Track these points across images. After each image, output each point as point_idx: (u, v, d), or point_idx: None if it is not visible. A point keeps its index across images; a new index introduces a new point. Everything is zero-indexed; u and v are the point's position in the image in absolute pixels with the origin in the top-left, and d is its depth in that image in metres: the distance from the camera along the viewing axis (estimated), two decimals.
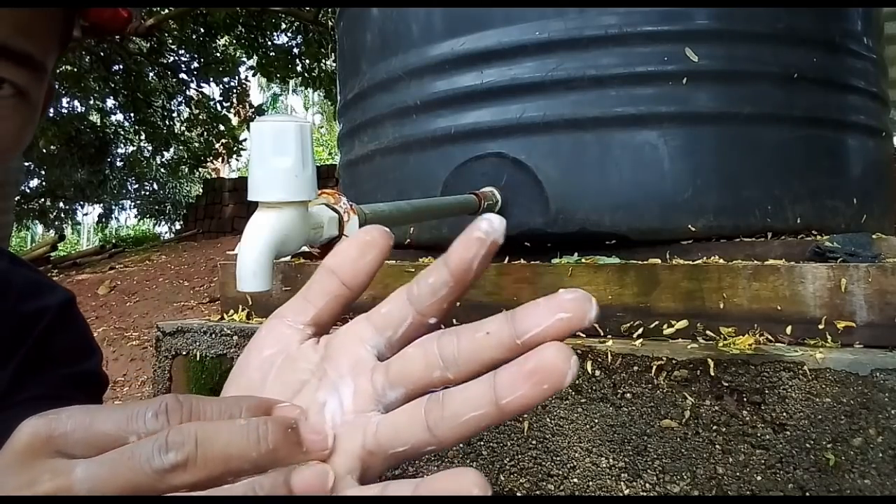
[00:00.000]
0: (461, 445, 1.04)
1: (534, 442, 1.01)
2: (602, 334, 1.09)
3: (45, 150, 8.76)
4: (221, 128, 9.13)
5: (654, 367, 0.95)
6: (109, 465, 0.22)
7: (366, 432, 0.25)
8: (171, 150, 10.24)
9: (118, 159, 10.86)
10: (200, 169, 10.53)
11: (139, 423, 0.23)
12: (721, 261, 1.13)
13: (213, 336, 1.34)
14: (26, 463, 0.22)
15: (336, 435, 0.26)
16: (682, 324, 1.06)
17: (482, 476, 0.22)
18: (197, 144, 9.72)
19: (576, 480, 0.98)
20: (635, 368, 0.97)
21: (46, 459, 0.22)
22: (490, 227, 0.24)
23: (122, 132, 10.36)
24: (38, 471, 0.21)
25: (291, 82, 10.60)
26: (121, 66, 8.16)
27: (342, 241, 0.29)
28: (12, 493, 0.21)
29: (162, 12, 6.65)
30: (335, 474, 0.25)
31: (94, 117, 9.79)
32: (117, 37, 5.75)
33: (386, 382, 0.26)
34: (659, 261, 1.17)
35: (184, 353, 1.38)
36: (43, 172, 9.68)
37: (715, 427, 0.92)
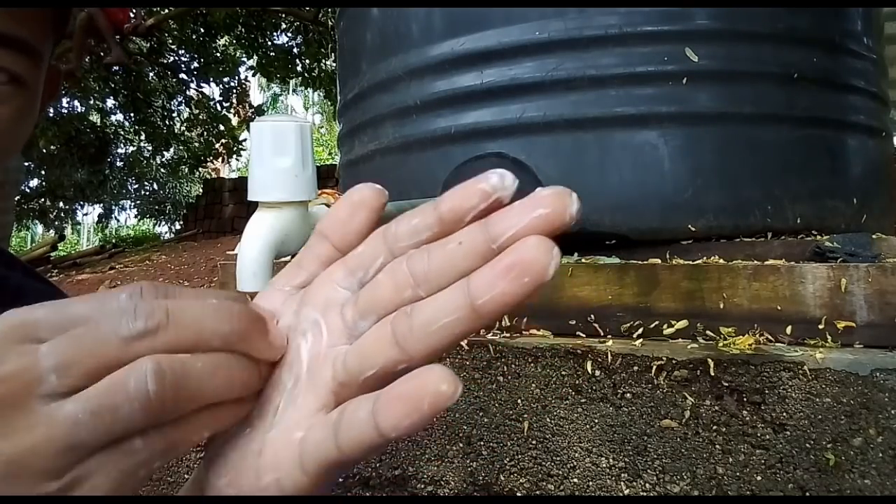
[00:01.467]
0: (460, 445, 1.04)
1: (534, 442, 1.01)
2: (602, 334, 1.09)
3: (45, 150, 8.76)
4: (221, 128, 9.13)
5: (654, 367, 0.95)
6: (75, 338, 0.21)
7: (335, 364, 0.24)
8: (171, 150, 10.25)
9: (118, 159, 10.86)
10: (200, 169, 10.53)
11: (112, 305, 0.22)
12: (721, 261, 1.13)
13: None
14: None
15: (308, 371, 0.25)
16: (682, 324, 1.06)
17: (450, 371, 0.21)
18: (197, 144, 9.72)
19: (576, 480, 0.98)
20: (635, 368, 0.97)
21: (15, 345, 0.21)
22: (500, 182, 0.23)
23: (122, 132, 10.36)
24: (4, 354, 0.21)
25: (291, 82, 10.61)
26: (121, 66, 8.15)
27: (335, 203, 0.28)
28: None
29: (162, 12, 6.65)
30: (307, 410, 0.24)
31: (94, 117, 9.79)
32: (117, 37, 5.74)
33: (356, 313, 0.25)
34: (659, 261, 1.17)
35: None
36: (43, 172, 9.68)
37: (715, 427, 0.92)
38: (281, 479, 0.24)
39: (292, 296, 0.28)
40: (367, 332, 0.24)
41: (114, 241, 10.52)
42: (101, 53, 6.59)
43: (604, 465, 0.97)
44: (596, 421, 0.98)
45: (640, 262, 1.14)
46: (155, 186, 12.25)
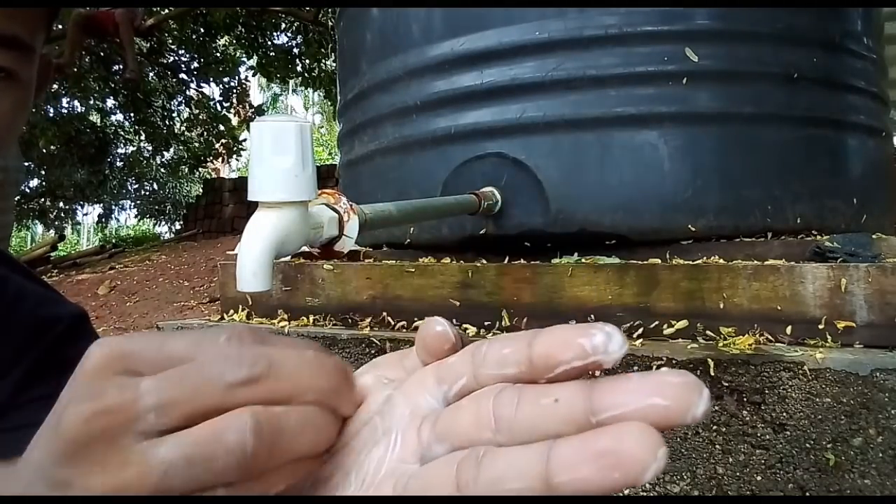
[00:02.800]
0: None
1: None
2: None
3: (45, 150, 8.77)
4: (221, 128, 9.13)
5: (654, 367, 0.95)
6: (179, 377, 0.21)
7: (396, 485, 0.24)
8: (171, 150, 10.24)
9: (118, 159, 10.86)
10: (200, 169, 10.53)
11: (213, 347, 0.22)
12: (721, 261, 1.13)
13: None
14: (95, 379, 0.21)
15: (368, 481, 0.25)
16: (682, 324, 1.06)
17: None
18: (197, 144, 9.72)
19: None
20: (635, 368, 0.97)
21: (114, 376, 0.21)
22: (604, 345, 0.20)
23: (122, 132, 10.36)
24: (104, 385, 0.21)
25: (291, 82, 10.61)
26: (121, 66, 8.15)
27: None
28: (78, 406, 0.20)
29: (162, 12, 6.65)
30: None
31: (94, 117, 9.79)
32: (117, 39, 5.75)
33: (432, 435, 0.24)
34: (659, 261, 1.17)
35: None
36: (43, 172, 9.68)
37: (715, 427, 0.92)
38: None
39: (384, 384, 0.28)
40: (435, 461, 0.23)
41: (114, 241, 10.52)
42: (101, 53, 6.59)
43: None
44: None
45: (640, 262, 1.14)
46: (155, 186, 12.25)
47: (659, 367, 0.95)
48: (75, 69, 6.67)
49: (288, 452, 0.22)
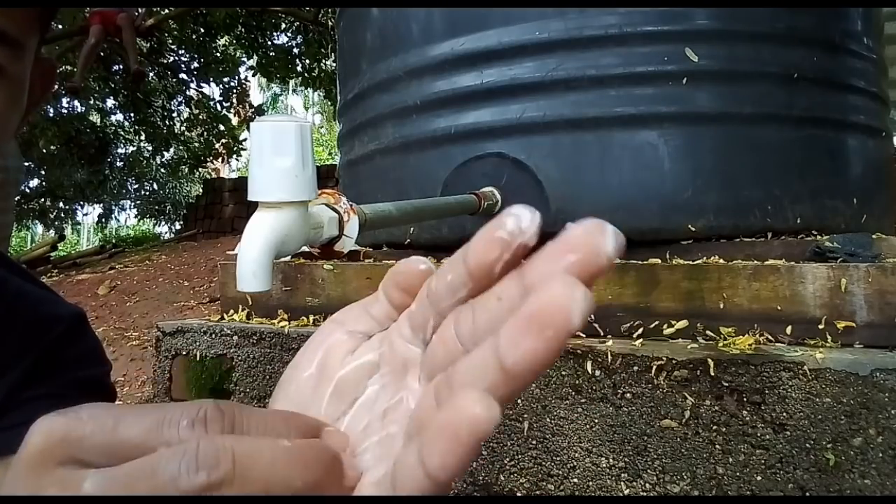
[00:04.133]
0: None
1: (534, 442, 1.01)
2: (602, 334, 1.09)
3: (45, 150, 8.77)
4: (221, 128, 9.13)
5: (654, 367, 0.95)
6: (125, 480, 0.19)
7: (408, 427, 0.24)
8: (171, 150, 10.25)
9: (118, 159, 10.86)
10: (200, 169, 10.54)
11: (171, 432, 0.20)
12: (721, 261, 1.13)
13: (213, 336, 1.34)
14: (35, 469, 0.19)
15: (393, 430, 0.25)
16: (682, 324, 1.06)
17: (483, 393, 0.19)
18: (197, 144, 9.72)
19: (576, 480, 0.98)
20: (635, 368, 0.97)
21: (56, 467, 0.19)
22: (516, 226, 0.21)
23: (122, 132, 10.36)
24: (45, 480, 0.19)
25: (291, 82, 10.61)
26: (121, 66, 8.16)
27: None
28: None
29: (162, 12, 6.65)
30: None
31: (94, 117, 9.79)
32: (116, 39, 5.75)
33: (424, 378, 0.25)
34: (659, 261, 1.17)
35: (184, 353, 1.38)
36: (43, 172, 9.67)
37: (715, 427, 0.92)
38: None
39: (364, 342, 0.27)
40: (423, 393, 0.24)
41: (114, 241, 10.52)
42: (101, 53, 6.59)
43: (604, 465, 0.97)
44: (596, 421, 0.98)
45: (640, 262, 1.14)
46: (155, 186, 12.24)
47: (659, 367, 0.95)
48: (75, 69, 6.67)
49: None
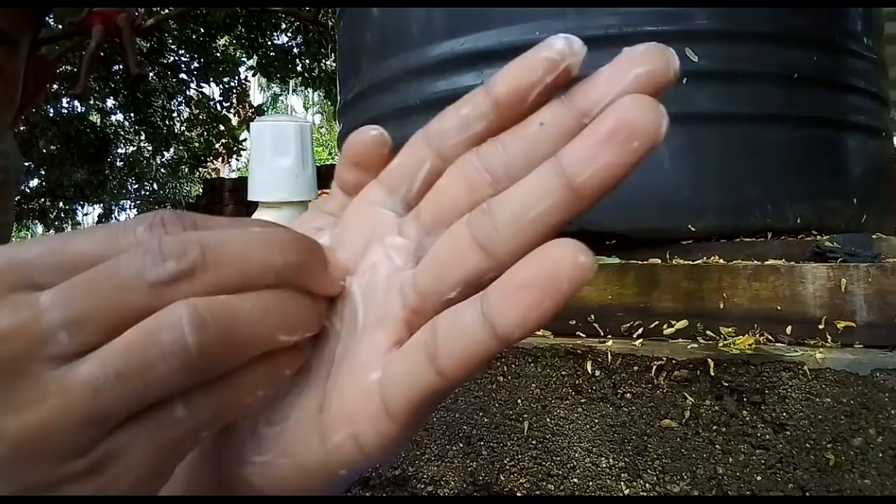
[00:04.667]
0: (460, 445, 1.04)
1: (534, 442, 1.01)
2: (602, 334, 1.09)
3: (45, 150, 8.77)
4: (221, 128, 9.14)
5: (654, 367, 0.95)
6: (88, 285, 0.17)
7: (402, 290, 0.20)
8: (171, 150, 10.25)
9: (118, 159, 10.86)
10: (200, 169, 10.54)
11: (127, 238, 0.18)
12: (721, 261, 1.13)
13: None
14: None
15: (365, 307, 0.21)
16: (682, 324, 1.06)
17: (578, 242, 0.17)
18: (197, 144, 9.72)
19: (576, 480, 0.98)
20: (635, 368, 0.97)
21: (7, 294, 0.16)
22: (568, 46, 0.18)
23: (122, 132, 10.36)
24: None
25: (291, 82, 10.61)
26: (121, 66, 8.16)
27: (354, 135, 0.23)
28: None
29: (162, 12, 6.65)
30: (376, 349, 0.20)
31: (94, 117, 9.79)
32: (116, 39, 5.75)
33: (420, 229, 0.20)
34: (659, 261, 1.17)
35: None
36: (43, 172, 9.68)
37: (715, 427, 0.92)
38: (359, 433, 0.19)
39: (328, 226, 0.24)
40: (434, 244, 0.20)
41: None
42: (101, 53, 6.58)
43: (604, 465, 0.97)
44: (596, 421, 0.98)
45: (640, 262, 1.14)
46: (155, 186, 12.24)
47: (659, 367, 0.95)
48: (75, 69, 6.68)
49: (249, 345, 0.18)
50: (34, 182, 10.06)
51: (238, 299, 0.18)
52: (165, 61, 8.57)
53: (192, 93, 9.11)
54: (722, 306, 1.05)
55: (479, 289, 0.18)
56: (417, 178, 0.21)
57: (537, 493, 1.00)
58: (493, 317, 0.17)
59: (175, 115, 9.55)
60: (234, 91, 9.18)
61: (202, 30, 7.89)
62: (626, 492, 0.95)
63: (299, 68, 8.14)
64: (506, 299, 0.17)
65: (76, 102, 9.19)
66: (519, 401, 1.03)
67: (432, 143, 0.21)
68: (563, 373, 1.01)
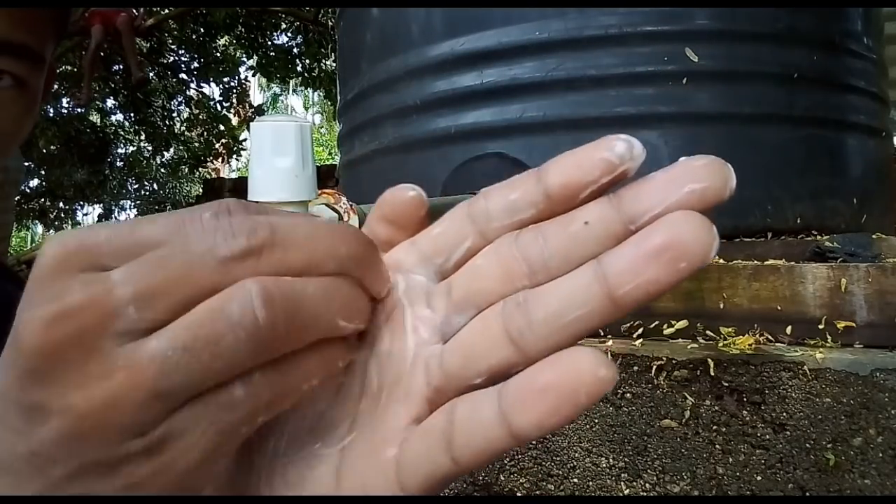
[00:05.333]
0: None
1: (534, 442, 1.01)
2: (602, 334, 1.09)
3: (45, 150, 8.77)
4: (221, 128, 9.14)
5: (654, 367, 0.95)
6: (158, 262, 0.17)
7: (428, 366, 0.20)
8: (171, 150, 10.25)
9: (118, 159, 10.86)
10: (200, 169, 10.53)
11: (195, 225, 0.18)
12: (721, 261, 1.13)
13: None
14: (55, 277, 0.17)
15: (390, 375, 0.21)
16: (682, 324, 1.06)
17: (600, 352, 0.17)
18: (197, 144, 9.72)
19: (576, 480, 0.98)
20: (635, 368, 0.97)
21: (78, 273, 0.17)
22: (628, 151, 0.18)
23: (122, 132, 10.36)
24: (66, 283, 0.17)
25: (291, 82, 10.61)
26: (121, 66, 8.16)
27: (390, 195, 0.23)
28: (36, 311, 0.16)
29: (162, 12, 6.65)
30: (396, 423, 0.20)
31: (94, 117, 9.79)
32: (116, 42, 5.76)
33: (449, 306, 0.20)
34: None
35: None
36: (43, 172, 9.68)
37: (715, 427, 0.92)
38: None
39: None
40: (465, 327, 0.20)
41: None
42: (101, 54, 6.59)
43: (604, 465, 0.97)
44: (596, 421, 0.98)
45: None
46: (155, 186, 12.24)
47: (659, 367, 0.95)
48: (75, 69, 6.68)
49: (312, 327, 0.18)
50: (34, 182, 10.06)
51: (303, 281, 0.18)
52: (165, 61, 8.56)
53: (192, 93, 9.11)
54: (722, 306, 1.05)
55: (503, 378, 0.18)
56: (457, 252, 0.21)
57: (537, 493, 1.00)
58: (510, 415, 0.17)
59: (175, 115, 9.55)
60: (234, 91, 9.17)
61: (202, 30, 7.89)
62: (626, 492, 0.95)
63: (299, 68, 8.14)
64: (524, 401, 0.17)
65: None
66: None
67: (476, 221, 0.21)
68: None
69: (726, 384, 0.92)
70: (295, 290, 0.17)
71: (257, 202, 0.20)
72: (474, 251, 0.21)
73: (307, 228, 0.18)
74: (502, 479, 1.02)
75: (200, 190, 9.63)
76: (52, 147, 8.76)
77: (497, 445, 0.18)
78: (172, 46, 8.43)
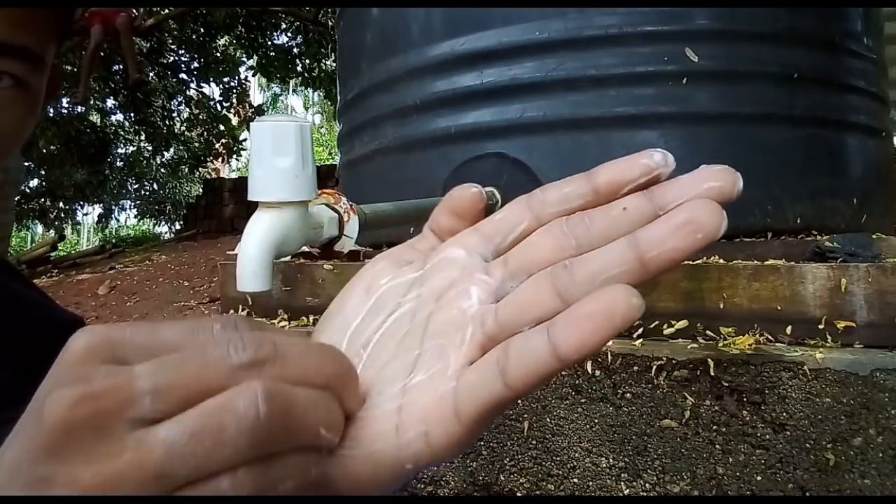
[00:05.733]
0: None
1: (534, 442, 1.01)
2: None
3: (45, 150, 8.77)
4: (221, 128, 9.13)
5: (654, 367, 0.95)
6: (175, 361, 0.19)
7: (484, 319, 0.24)
8: (171, 150, 10.25)
9: (118, 159, 10.85)
10: (200, 169, 10.53)
11: (205, 335, 0.21)
12: (721, 261, 1.13)
13: None
14: (80, 365, 0.19)
15: (453, 326, 0.25)
16: (682, 324, 1.06)
17: (633, 288, 0.21)
18: (197, 144, 9.72)
19: (576, 480, 0.98)
20: (635, 368, 0.97)
21: (101, 364, 0.19)
22: (664, 159, 0.24)
23: (122, 132, 10.36)
24: (92, 371, 0.19)
25: (291, 82, 10.61)
26: (121, 66, 8.16)
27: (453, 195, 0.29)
28: (62, 391, 0.18)
29: (162, 12, 6.65)
30: (454, 365, 0.24)
31: (94, 117, 9.79)
32: (115, 43, 5.76)
33: (505, 273, 0.24)
34: None
35: None
36: (43, 172, 9.68)
37: (715, 427, 0.92)
38: (430, 431, 0.23)
39: (407, 265, 0.28)
40: (519, 287, 0.24)
41: (114, 241, 10.51)
42: (101, 53, 6.59)
43: (604, 465, 0.97)
44: (596, 421, 0.98)
45: None
46: (155, 186, 12.24)
47: (659, 367, 0.95)
48: (75, 69, 6.68)
49: (299, 430, 0.21)
50: (34, 182, 10.05)
51: (296, 389, 0.21)
52: (165, 61, 8.56)
53: (192, 93, 9.11)
54: (722, 306, 1.05)
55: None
56: (514, 232, 0.26)
57: (537, 493, 1.00)
58: (557, 340, 0.21)
59: (175, 115, 9.54)
60: (234, 91, 9.17)
61: (202, 30, 7.89)
62: (626, 492, 0.95)
63: (299, 68, 8.14)
64: (570, 326, 0.21)
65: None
66: (519, 401, 1.03)
67: (533, 208, 0.25)
68: (563, 373, 1.01)
69: (726, 384, 0.92)
70: (290, 395, 0.20)
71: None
72: (528, 232, 0.25)
73: (302, 348, 0.22)
74: (502, 479, 1.02)
75: (200, 190, 9.63)
76: (52, 147, 8.76)
77: (545, 369, 0.21)
78: (172, 46, 8.43)
